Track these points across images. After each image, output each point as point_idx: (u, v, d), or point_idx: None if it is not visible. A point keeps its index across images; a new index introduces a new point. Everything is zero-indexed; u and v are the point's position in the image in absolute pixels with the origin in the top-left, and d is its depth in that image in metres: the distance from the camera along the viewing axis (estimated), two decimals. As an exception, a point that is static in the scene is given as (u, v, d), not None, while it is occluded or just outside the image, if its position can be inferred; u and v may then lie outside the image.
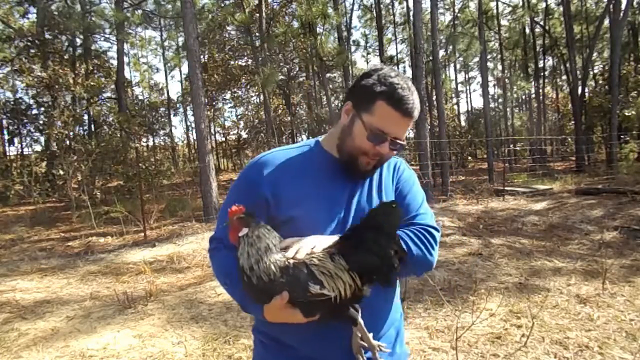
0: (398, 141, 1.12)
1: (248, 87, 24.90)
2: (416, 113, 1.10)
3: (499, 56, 22.71)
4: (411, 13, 13.34)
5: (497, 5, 19.76)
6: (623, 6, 14.72)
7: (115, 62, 16.58)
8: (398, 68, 27.69)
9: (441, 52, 19.05)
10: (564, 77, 22.39)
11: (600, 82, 19.60)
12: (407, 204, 1.18)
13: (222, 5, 15.14)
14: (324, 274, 0.93)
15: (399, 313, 1.26)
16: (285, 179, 1.12)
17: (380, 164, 1.17)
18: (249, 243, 0.93)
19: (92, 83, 13.38)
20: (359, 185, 1.17)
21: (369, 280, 0.98)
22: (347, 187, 1.16)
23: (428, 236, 1.11)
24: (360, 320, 1.00)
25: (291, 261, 0.94)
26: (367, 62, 29.97)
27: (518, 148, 24.43)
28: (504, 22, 22.53)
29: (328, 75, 20.32)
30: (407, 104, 1.08)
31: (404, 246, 1.06)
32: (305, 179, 1.13)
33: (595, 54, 21.04)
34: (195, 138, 14.06)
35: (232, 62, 20.88)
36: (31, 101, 16.35)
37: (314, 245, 1.00)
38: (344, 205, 1.13)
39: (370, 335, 1.02)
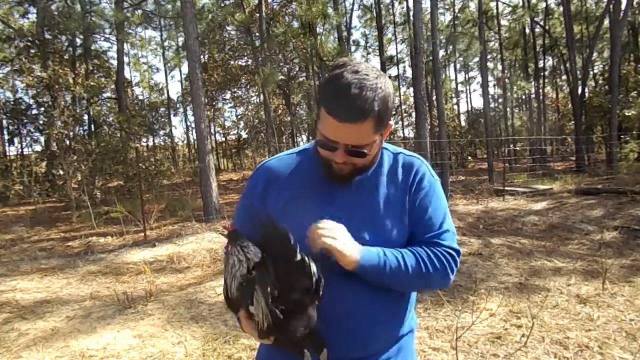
0: (353, 149, 1.00)
1: (248, 87, 24.92)
2: (358, 117, 0.95)
3: (499, 56, 22.72)
4: (411, 13, 13.33)
5: (497, 5, 19.76)
6: (623, 6, 14.70)
7: (115, 62, 16.60)
8: (398, 68, 27.88)
9: (441, 52, 19.01)
10: (564, 77, 22.38)
11: (600, 82, 19.56)
12: (427, 219, 1.09)
13: (222, 5, 15.13)
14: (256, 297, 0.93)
15: (405, 328, 1.16)
16: (272, 190, 1.12)
17: (358, 169, 1.06)
18: (227, 260, 1.01)
19: (92, 83, 13.38)
20: (353, 186, 1.09)
21: (286, 300, 0.91)
22: (339, 188, 1.08)
23: (450, 259, 1.07)
24: (308, 354, 0.96)
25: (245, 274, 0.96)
26: (367, 62, 29.99)
27: (518, 148, 24.42)
28: (504, 22, 22.55)
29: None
30: (340, 108, 0.95)
31: (424, 268, 1.03)
32: (291, 187, 1.09)
33: (595, 54, 21.02)
34: (195, 138, 14.06)
35: (232, 62, 20.89)
36: (31, 101, 16.35)
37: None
38: (336, 207, 1.06)
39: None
